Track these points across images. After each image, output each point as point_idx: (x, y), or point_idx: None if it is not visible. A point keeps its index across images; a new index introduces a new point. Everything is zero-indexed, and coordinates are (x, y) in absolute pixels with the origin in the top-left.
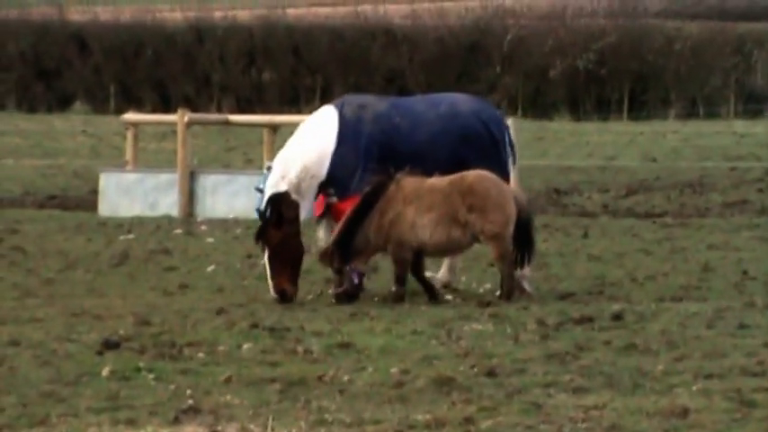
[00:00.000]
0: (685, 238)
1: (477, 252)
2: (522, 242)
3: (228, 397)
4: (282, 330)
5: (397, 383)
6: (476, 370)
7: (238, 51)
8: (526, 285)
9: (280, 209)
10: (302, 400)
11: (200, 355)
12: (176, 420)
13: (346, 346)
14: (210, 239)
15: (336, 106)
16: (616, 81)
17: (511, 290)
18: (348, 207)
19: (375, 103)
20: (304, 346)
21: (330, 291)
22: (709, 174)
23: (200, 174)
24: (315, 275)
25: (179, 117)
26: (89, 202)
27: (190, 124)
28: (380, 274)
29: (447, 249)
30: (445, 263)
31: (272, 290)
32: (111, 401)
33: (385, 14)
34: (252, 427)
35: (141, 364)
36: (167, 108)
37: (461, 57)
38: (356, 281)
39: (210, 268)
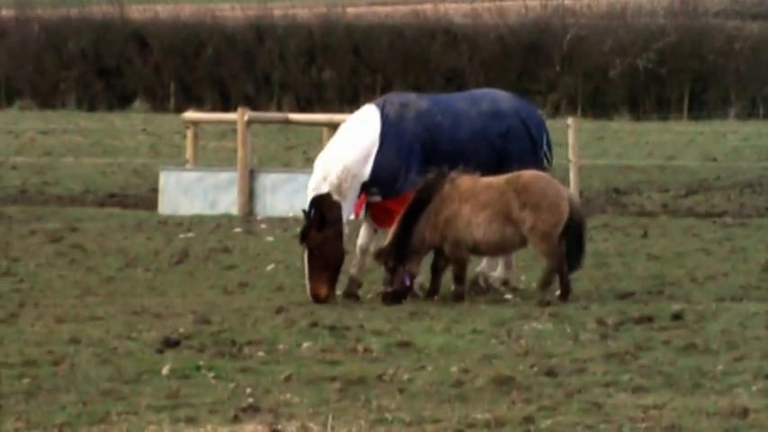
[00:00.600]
0: (745, 238)
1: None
2: (574, 244)
3: (288, 395)
4: (342, 329)
5: (457, 382)
6: (535, 369)
7: (298, 50)
8: (497, 285)
9: (322, 210)
10: (362, 399)
11: (260, 353)
12: (236, 419)
13: (406, 344)
14: (270, 238)
15: (378, 105)
16: (676, 81)
17: (549, 281)
18: (393, 206)
19: (417, 102)
20: (364, 345)
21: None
22: None
23: (260, 172)
24: (374, 274)
25: (239, 115)
26: (149, 200)
27: (250, 123)
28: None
29: (500, 248)
30: (501, 260)
31: (308, 291)
32: (171, 399)
33: (445, 13)
34: (311, 425)
35: (201, 363)
36: (227, 106)
37: (521, 56)
38: (407, 282)
39: (270, 267)
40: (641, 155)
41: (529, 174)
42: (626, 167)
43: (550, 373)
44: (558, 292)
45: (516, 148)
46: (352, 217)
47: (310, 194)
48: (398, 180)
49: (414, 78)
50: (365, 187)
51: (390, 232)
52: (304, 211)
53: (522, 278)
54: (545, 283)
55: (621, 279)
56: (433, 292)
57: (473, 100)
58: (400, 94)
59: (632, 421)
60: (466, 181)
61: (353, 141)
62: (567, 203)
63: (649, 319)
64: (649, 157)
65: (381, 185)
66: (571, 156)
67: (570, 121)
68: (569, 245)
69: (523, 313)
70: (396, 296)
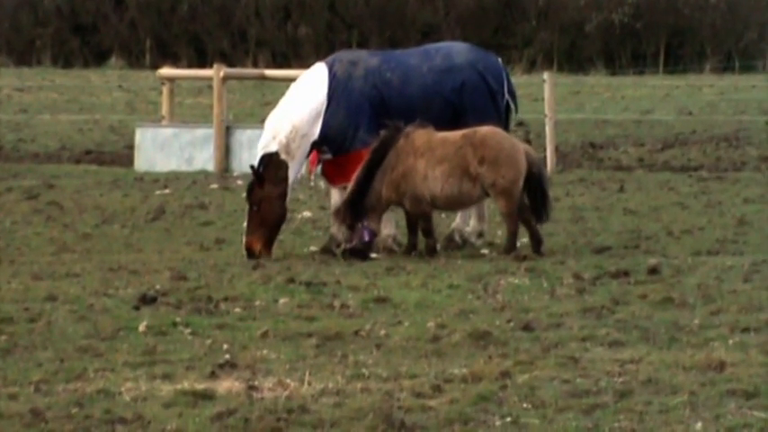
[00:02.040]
0: (721, 192)
1: None
2: (537, 197)
3: (265, 351)
4: (319, 285)
5: (434, 338)
6: (512, 324)
7: (274, 6)
8: (457, 238)
9: (268, 168)
10: (339, 355)
11: (237, 309)
12: (213, 375)
13: (383, 300)
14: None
15: (327, 64)
16: (652, 35)
17: (513, 245)
18: (345, 163)
19: (367, 59)
20: (340, 301)
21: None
22: (744, 127)
23: (236, 129)
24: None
25: (215, 72)
26: (125, 157)
27: (226, 79)
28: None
29: (458, 202)
30: (474, 213)
31: (243, 245)
32: (147, 356)
33: None
34: (288, 381)
35: (178, 319)
36: (203, 63)
37: (497, 11)
38: (367, 238)
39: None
40: (617, 109)
41: (485, 129)
42: (602, 122)
43: (527, 327)
44: (504, 248)
45: (472, 101)
46: (308, 174)
47: (259, 153)
48: (348, 138)
49: (390, 34)
50: (315, 146)
51: (347, 189)
52: (252, 167)
53: (499, 233)
54: (509, 248)
55: (598, 233)
56: (410, 248)
57: (426, 55)
58: (350, 52)
59: (609, 375)
60: (421, 135)
61: (302, 101)
62: (524, 157)
63: (626, 274)
64: (625, 112)
65: (331, 144)
66: (547, 111)
67: (546, 75)
68: (533, 198)
69: (500, 268)
70: (355, 252)
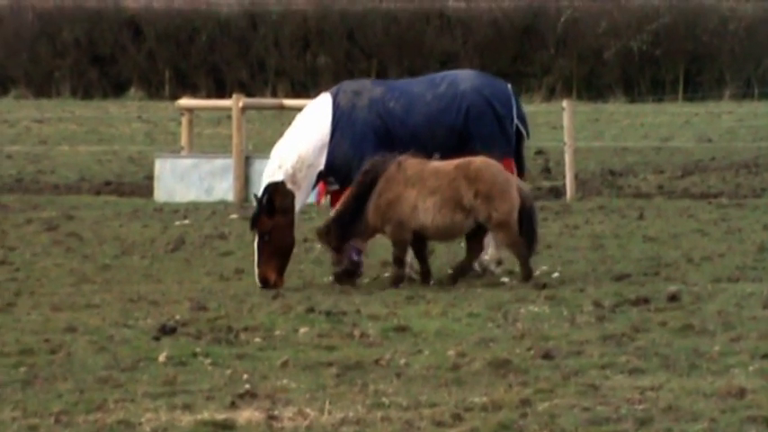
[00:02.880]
0: (741, 219)
1: None
2: (526, 232)
3: (285, 381)
4: (339, 314)
5: (454, 366)
6: (532, 352)
7: (293, 36)
8: (493, 267)
9: (274, 198)
10: (359, 384)
11: (257, 339)
12: (233, 405)
13: (403, 329)
14: None
15: (332, 94)
16: (671, 62)
17: (529, 271)
18: None
19: (371, 89)
20: (360, 330)
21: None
22: (764, 154)
23: (256, 158)
24: (372, 258)
25: (234, 102)
26: (144, 187)
27: (245, 109)
28: (435, 257)
29: (448, 234)
30: (492, 241)
31: (256, 276)
32: (167, 386)
33: None
34: (309, 410)
35: (198, 350)
36: (222, 93)
37: (515, 39)
38: (355, 258)
39: None
40: (637, 136)
41: (479, 161)
42: (621, 149)
43: (547, 355)
44: (555, 274)
45: (478, 127)
46: (316, 205)
47: (264, 182)
48: (353, 169)
49: (408, 63)
50: (321, 177)
51: (334, 210)
52: (255, 196)
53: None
54: (527, 275)
55: (618, 261)
56: (425, 276)
57: (431, 83)
58: (355, 82)
59: (629, 403)
60: (413, 165)
61: (307, 131)
62: (517, 190)
63: (646, 301)
64: (645, 139)
65: (337, 175)
66: (566, 138)
67: (565, 103)
68: (522, 231)
69: (520, 296)
70: (347, 274)
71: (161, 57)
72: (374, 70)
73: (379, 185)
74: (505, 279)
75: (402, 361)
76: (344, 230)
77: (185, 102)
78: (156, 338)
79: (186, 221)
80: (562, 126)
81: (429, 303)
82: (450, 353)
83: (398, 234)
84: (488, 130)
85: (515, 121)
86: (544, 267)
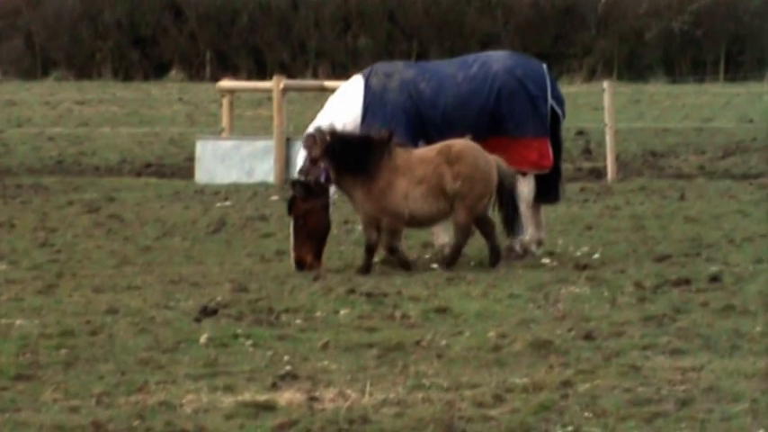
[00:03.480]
0: None
1: (574, 215)
2: (508, 210)
3: (326, 362)
4: (379, 296)
5: (495, 347)
6: (573, 333)
7: (333, 17)
8: (533, 248)
9: (308, 181)
10: (400, 365)
11: (298, 321)
12: (274, 386)
13: (443, 310)
14: None
15: (363, 76)
16: (712, 42)
17: (456, 258)
18: None
19: (402, 71)
20: (401, 311)
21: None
22: None
23: (296, 140)
24: (412, 240)
25: (275, 83)
26: (185, 169)
27: (285, 90)
28: (476, 238)
29: (433, 221)
30: (531, 222)
31: (292, 259)
32: (208, 368)
33: None
34: (349, 392)
35: (239, 331)
36: (263, 75)
37: (557, 20)
38: (323, 178)
39: None
40: (677, 118)
41: (460, 144)
42: (662, 130)
43: (588, 336)
44: (596, 255)
45: (510, 108)
46: None
47: (299, 164)
48: None
49: (449, 44)
50: None
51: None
52: (294, 181)
53: (560, 242)
54: (452, 260)
55: (659, 242)
56: (406, 265)
57: (463, 64)
58: (387, 64)
59: (670, 384)
60: (401, 154)
61: (340, 113)
62: (496, 173)
63: (687, 282)
64: (686, 120)
65: None
66: (607, 119)
67: (606, 84)
68: (505, 212)
69: (560, 277)
70: (306, 187)
71: (202, 38)
72: (415, 51)
73: (370, 170)
74: (546, 260)
75: (443, 342)
76: (334, 153)
77: (226, 83)
78: (197, 320)
79: (227, 203)
80: (603, 107)
81: (470, 284)
82: (491, 334)
83: (394, 223)
84: (520, 111)
85: (550, 101)
86: (585, 248)
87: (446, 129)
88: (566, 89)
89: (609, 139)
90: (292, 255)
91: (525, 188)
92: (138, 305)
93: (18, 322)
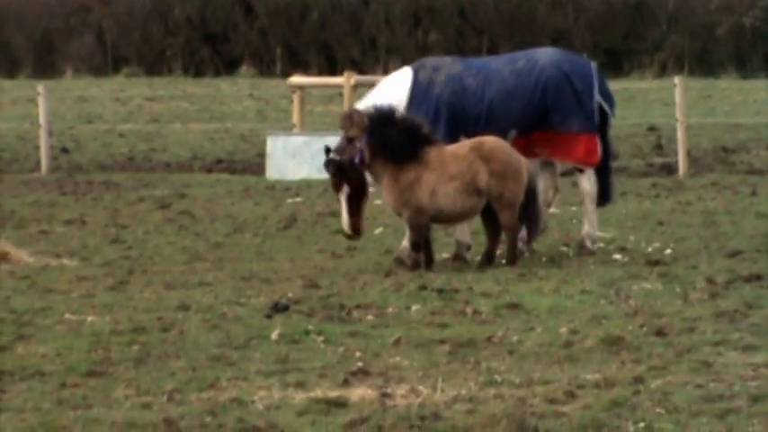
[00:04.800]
0: None
1: (646, 211)
2: (531, 210)
3: (398, 359)
4: (451, 292)
5: (566, 343)
6: (645, 329)
7: (404, 13)
8: (588, 244)
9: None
10: (471, 361)
11: (369, 317)
12: (346, 383)
13: (515, 306)
14: (378, 201)
15: (413, 68)
16: None
17: (516, 257)
18: None
19: (450, 65)
20: (473, 307)
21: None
22: None
23: None
24: (483, 236)
25: (345, 79)
26: (256, 165)
27: (356, 86)
28: (548, 233)
29: (464, 218)
30: (588, 219)
31: (347, 227)
32: (280, 364)
33: None
34: (421, 388)
35: (310, 327)
36: (333, 70)
37: (627, 16)
38: (357, 159)
39: (378, 230)
40: (749, 113)
41: (491, 140)
42: (734, 126)
43: (660, 332)
44: (667, 251)
45: (556, 101)
46: None
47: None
48: None
49: (519, 39)
50: None
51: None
52: (325, 161)
53: (631, 238)
54: (514, 259)
55: (730, 237)
56: (429, 263)
57: (511, 60)
58: (436, 58)
59: (742, 380)
60: (433, 149)
61: (385, 101)
62: (526, 171)
63: (759, 278)
64: (757, 115)
65: None
66: (678, 115)
67: (677, 80)
68: (527, 211)
69: (632, 273)
70: (340, 166)
71: (273, 34)
72: (485, 47)
73: (400, 160)
74: (618, 256)
75: (514, 338)
76: (372, 133)
77: (297, 79)
78: (269, 316)
79: (298, 199)
80: (674, 103)
81: (541, 280)
82: (563, 330)
83: (418, 219)
84: (566, 105)
85: (597, 98)
86: (657, 244)
87: (491, 123)
88: (636, 85)
89: (680, 134)
90: (348, 224)
91: (586, 184)
92: (209, 301)
93: (90, 319)
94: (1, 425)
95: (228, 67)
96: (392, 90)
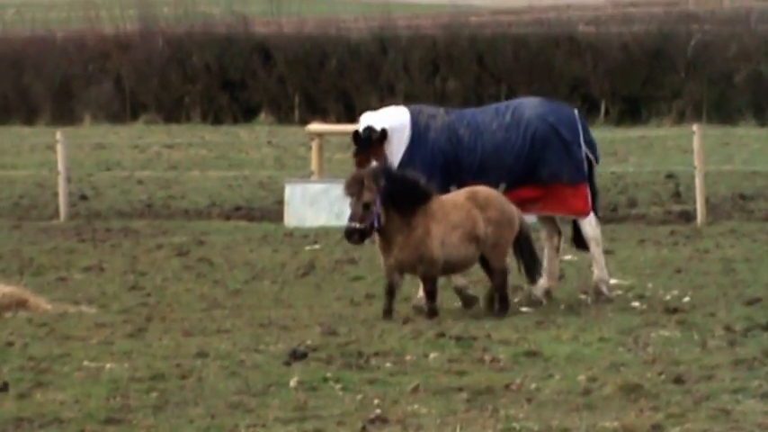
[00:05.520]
0: None
1: (664, 258)
2: (528, 257)
3: (416, 406)
4: (469, 339)
5: (585, 391)
6: (663, 377)
7: (422, 60)
8: (604, 289)
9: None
10: (490, 409)
11: (388, 364)
12: (364, 430)
13: (533, 354)
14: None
15: (410, 110)
16: None
17: (508, 305)
18: None
19: (443, 114)
20: (491, 355)
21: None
22: None
23: None
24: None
25: None
26: (275, 212)
27: None
28: (566, 281)
29: (464, 267)
30: (596, 263)
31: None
32: (298, 412)
33: (569, 21)
34: None
35: (329, 375)
36: (352, 118)
37: (646, 63)
38: (376, 222)
39: None
40: (767, 160)
41: (484, 189)
42: (752, 173)
43: (678, 380)
44: (686, 299)
45: (545, 154)
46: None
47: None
48: None
49: (538, 87)
50: None
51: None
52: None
53: (649, 285)
54: (506, 308)
55: (749, 285)
56: (432, 312)
57: (497, 112)
58: (429, 107)
59: (761, 428)
60: (434, 199)
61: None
62: (518, 219)
63: None
64: None
65: None
66: (696, 162)
67: (695, 127)
68: (525, 259)
69: (650, 321)
70: (362, 234)
71: (291, 81)
72: (503, 95)
73: (410, 216)
74: (636, 303)
75: (533, 386)
76: (389, 196)
77: (315, 126)
78: (287, 363)
79: (316, 246)
80: (692, 150)
81: (559, 328)
82: (581, 377)
83: (432, 270)
84: (555, 157)
85: (583, 146)
86: (675, 292)
87: (482, 175)
88: (655, 132)
89: (698, 182)
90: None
91: (589, 228)
92: (227, 348)
93: (108, 366)
94: None
95: (247, 114)
96: (393, 127)
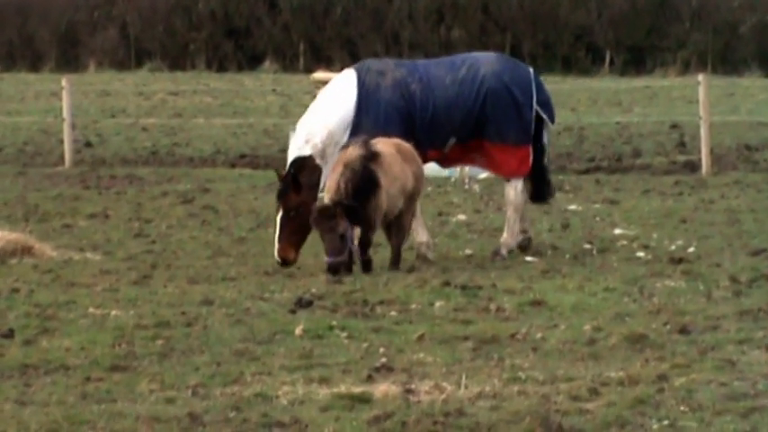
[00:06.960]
0: None
1: (669, 208)
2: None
3: (421, 355)
4: (474, 288)
5: (590, 341)
6: (668, 327)
7: (427, 9)
8: (503, 251)
9: (302, 172)
10: (495, 358)
11: (393, 313)
12: (369, 378)
13: (538, 303)
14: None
15: (357, 71)
16: None
17: (400, 258)
18: None
19: (394, 69)
20: (496, 304)
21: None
22: None
23: None
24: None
25: None
26: (279, 160)
27: None
28: (571, 230)
29: (387, 220)
30: (508, 227)
31: (276, 253)
32: (304, 360)
33: None
34: (445, 384)
35: (334, 323)
36: None
37: (650, 13)
38: (353, 247)
39: None
40: None
41: (403, 143)
42: (757, 124)
43: (683, 330)
44: (691, 249)
45: (494, 113)
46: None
47: (292, 156)
48: None
49: (542, 36)
50: None
51: (333, 191)
52: (287, 174)
53: (654, 235)
54: (398, 260)
55: (754, 235)
56: (367, 265)
57: (452, 66)
58: (379, 61)
59: (766, 378)
60: (383, 153)
61: (335, 107)
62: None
63: None
64: None
65: None
66: (702, 113)
67: (700, 77)
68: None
69: (655, 271)
70: (348, 265)
71: (296, 29)
72: (508, 44)
73: (376, 172)
74: (641, 253)
75: (538, 335)
76: (353, 214)
77: (320, 75)
78: (293, 311)
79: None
80: (697, 100)
81: (565, 278)
82: (587, 327)
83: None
84: (504, 117)
85: (535, 107)
86: (680, 242)
87: (433, 130)
88: (659, 82)
89: (703, 132)
90: (277, 247)
91: (512, 193)
92: (232, 296)
93: (113, 313)
94: (26, 418)
95: (252, 62)
96: (339, 95)
